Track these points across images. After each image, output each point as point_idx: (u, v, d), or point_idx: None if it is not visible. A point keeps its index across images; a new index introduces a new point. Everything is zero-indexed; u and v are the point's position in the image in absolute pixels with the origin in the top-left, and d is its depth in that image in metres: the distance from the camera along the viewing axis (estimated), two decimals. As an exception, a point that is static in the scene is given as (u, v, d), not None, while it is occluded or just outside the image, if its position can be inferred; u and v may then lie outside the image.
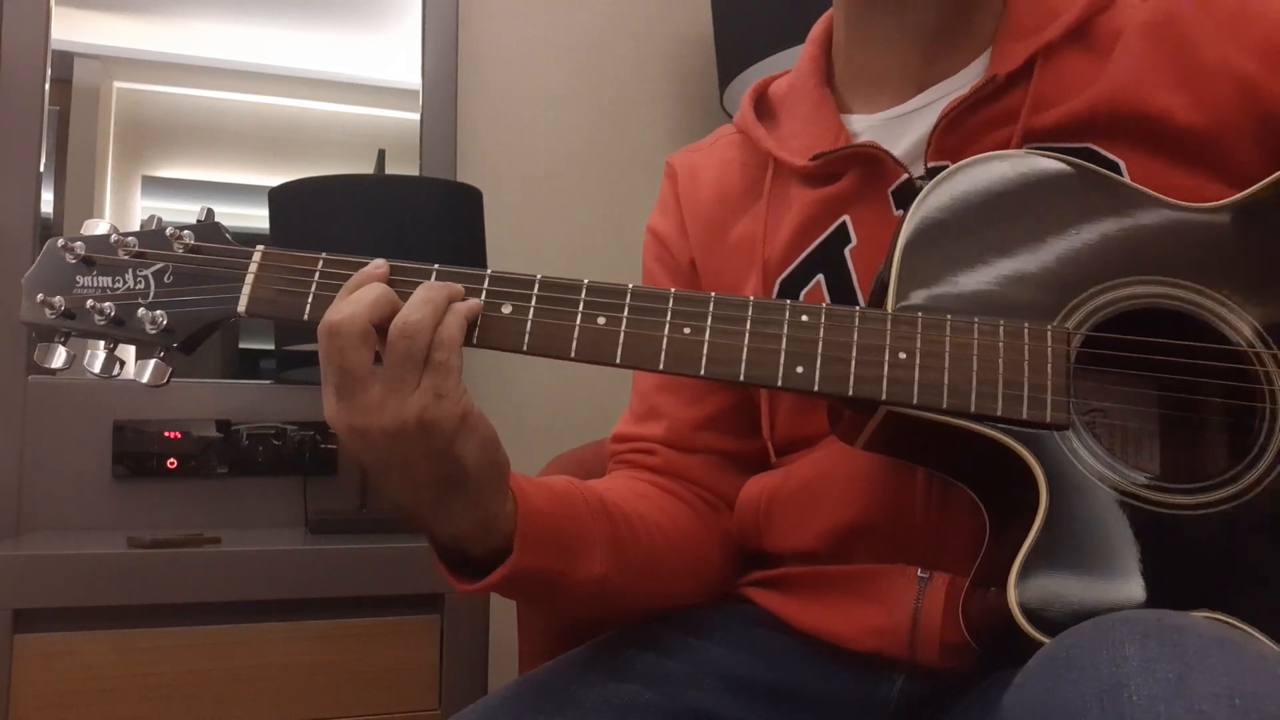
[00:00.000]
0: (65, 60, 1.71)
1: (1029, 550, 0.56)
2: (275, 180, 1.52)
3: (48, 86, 1.68)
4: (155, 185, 1.76)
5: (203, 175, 1.79)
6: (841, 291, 0.75)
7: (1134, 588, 0.56)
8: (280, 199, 1.50)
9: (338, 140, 1.86)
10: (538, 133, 1.94)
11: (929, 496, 0.69)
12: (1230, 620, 0.54)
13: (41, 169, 1.66)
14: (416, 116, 1.86)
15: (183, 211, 1.78)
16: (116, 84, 1.75)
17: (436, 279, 0.63)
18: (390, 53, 1.88)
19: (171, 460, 1.63)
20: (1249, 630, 0.54)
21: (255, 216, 1.74)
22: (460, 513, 0.62)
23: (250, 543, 1.33)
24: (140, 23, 1.77)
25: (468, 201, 1.57)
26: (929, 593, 0.68)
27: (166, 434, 1.63)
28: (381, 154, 1.87)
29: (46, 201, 1.67)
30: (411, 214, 1.48)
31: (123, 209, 1.74)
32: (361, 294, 0.60)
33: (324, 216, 1.47)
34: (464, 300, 0.62)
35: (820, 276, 0.76)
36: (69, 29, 1.72)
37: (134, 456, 1.61)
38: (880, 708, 0.71)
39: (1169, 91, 0.68)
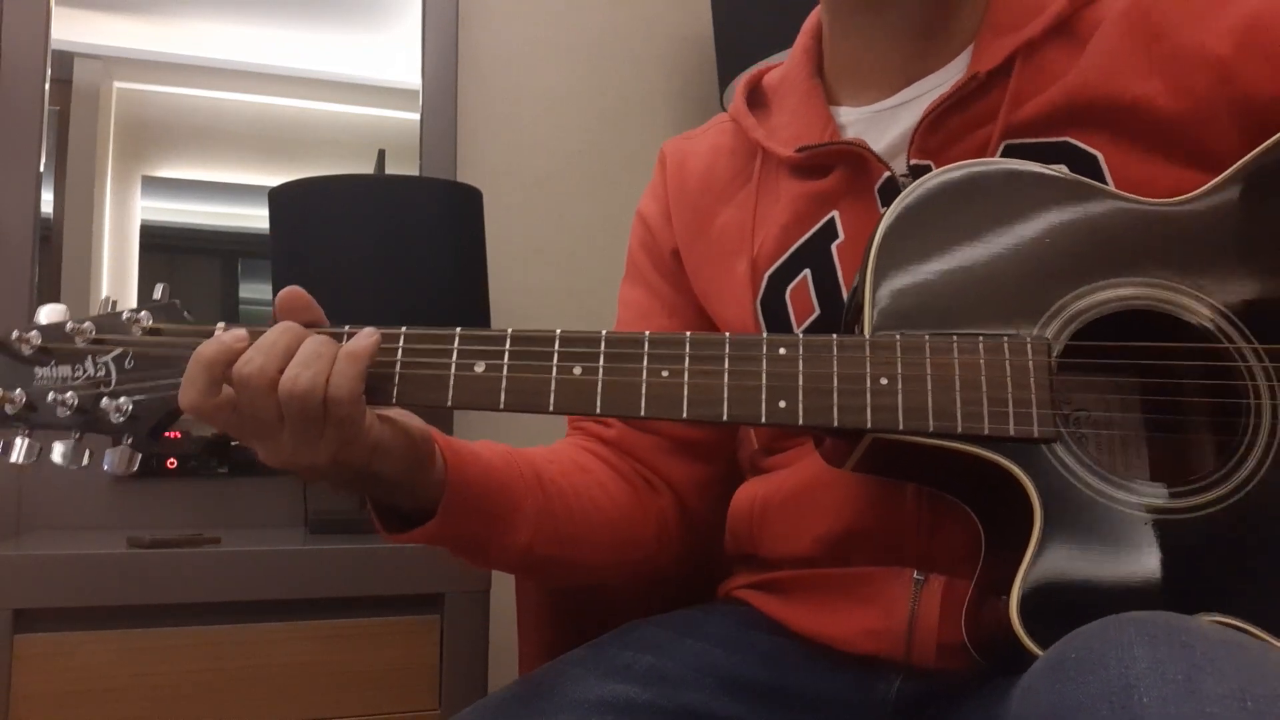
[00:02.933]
0: (65, 60, 1.71)
1: (1028, 565, 0.56)
2: (275, 180, 1.52)
3: (48, 86, 1.68)
4: (155, 185, 1.76)
5: (203, 175, 1.78)
6: (828, 287, 0.75)
7: (1134, 596, 0.55)
8: (280, 199, 1.50)
9: (338, 140, 1.86)
10: (538, 133, 1.94)
11: (922, 500, 0.69)
12: (1233, 622, 0.54)
13: (41, 169, 1.66)
14: (416, 116, 1.86)
15: (183, 211, 1.78)
16: (116, 84, 1.75)
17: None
18: (390, 53, 1.88)
19: (171, 460, 1.62)
20: (1254, 631, 0.54)
21: (255, 216, 1.74)
22: (387, 492, 0.67)
23: (250, 543, 1.32)
24: (140, 23, 1.77)
25: (468, 201, 1.57)
26: (925, 595, 0.68)
27: (166, 434, 1.63)
28: (381, 154, 1.87)
29: (46, 201, 1.67)
30: (411, 214, 1.48)
31: (123, 209, 1.74)
32: (271, 343, 0.59)
33: (324, 216, 1.47)
34: (361, 343, 0.60)
35: (807, 271, 0.76)
36: (69, 29, 1.72)
37: (134, 456, 1.61)
38: (878, 709, 0.71)
39: (1144, 79, 0.68)
